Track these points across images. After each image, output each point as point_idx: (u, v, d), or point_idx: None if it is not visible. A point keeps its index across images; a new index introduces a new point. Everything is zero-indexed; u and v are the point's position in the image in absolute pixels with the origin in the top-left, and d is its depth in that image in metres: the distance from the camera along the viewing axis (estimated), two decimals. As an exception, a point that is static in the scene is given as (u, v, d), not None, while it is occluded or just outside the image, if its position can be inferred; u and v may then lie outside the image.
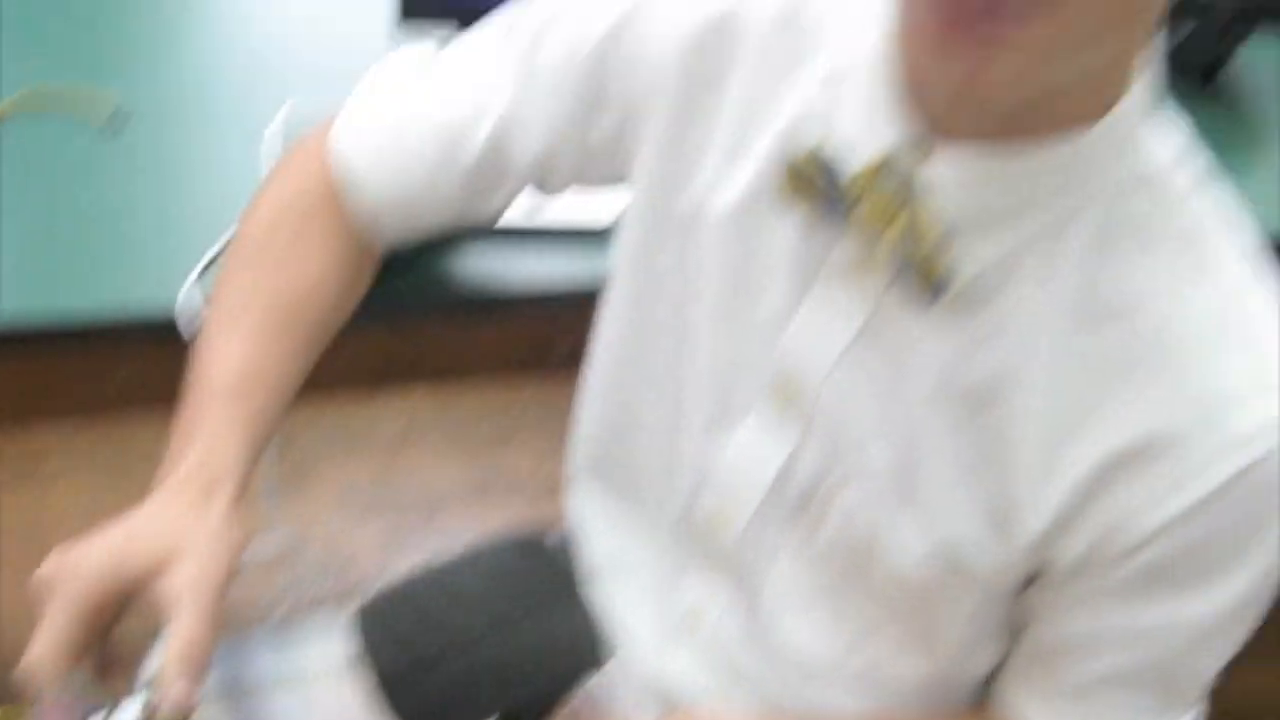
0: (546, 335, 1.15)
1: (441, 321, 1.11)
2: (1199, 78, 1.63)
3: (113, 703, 0.72)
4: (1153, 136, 0.74)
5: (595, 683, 0.70)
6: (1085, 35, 0.62)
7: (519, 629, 0.63)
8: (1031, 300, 0.73)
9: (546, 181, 0.92)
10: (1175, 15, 1.58)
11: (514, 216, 0.99)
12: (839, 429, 0.80)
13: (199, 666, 0.72)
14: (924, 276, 0.72)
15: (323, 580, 1.98)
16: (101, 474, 1.66)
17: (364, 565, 1.99)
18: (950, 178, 0.71)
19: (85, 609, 0.72)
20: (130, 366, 1.09)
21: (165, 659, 0.71)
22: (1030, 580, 0.79)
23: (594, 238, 0.99)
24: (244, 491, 0.83)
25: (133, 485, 0.82)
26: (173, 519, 0.76)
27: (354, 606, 0.68)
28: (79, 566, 0.73)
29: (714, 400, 0.85)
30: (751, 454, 0.84)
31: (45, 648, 0.71)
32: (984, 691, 0.88)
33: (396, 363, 1.16)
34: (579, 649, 0.66)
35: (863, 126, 0.74)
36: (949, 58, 0.62)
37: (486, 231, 1.05)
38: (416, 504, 2.08)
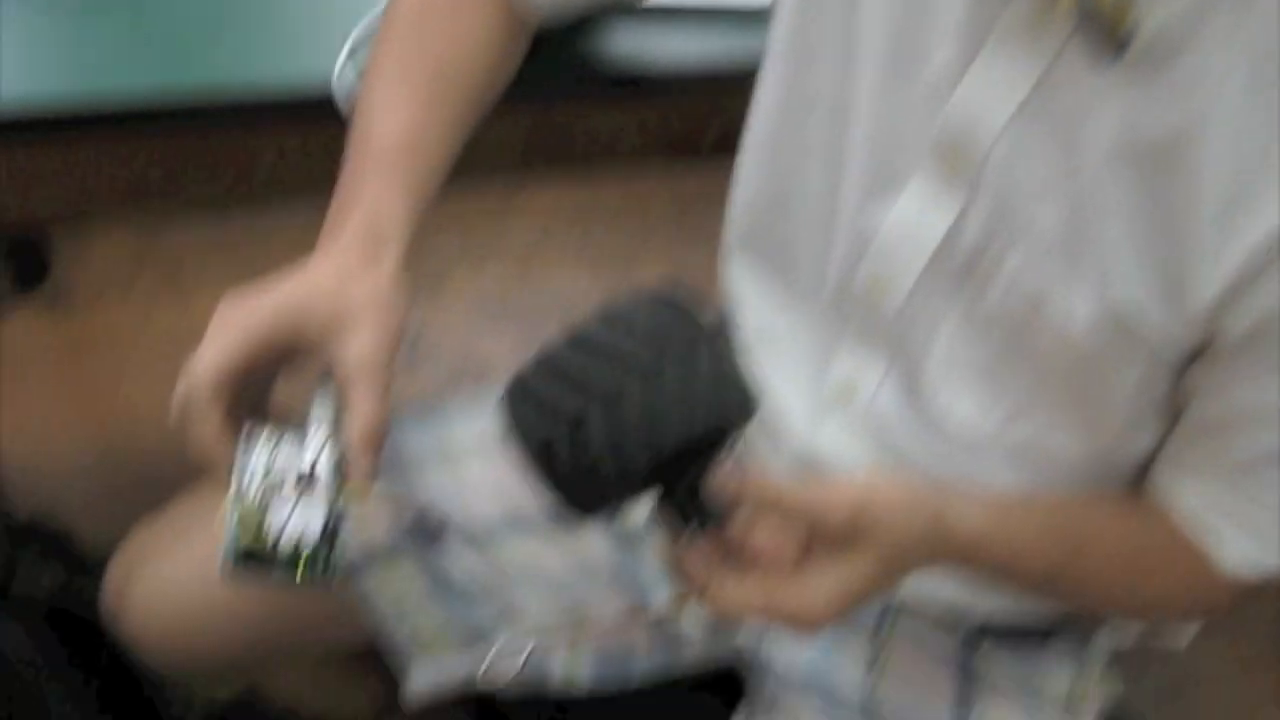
0: (698, 117, 1.13)
1: (590, 103, 1.10)
2: None
3: (296, 436, 0.75)
4: None
5: (744, 453, 0.70)
6: None
7: (663, 378, 0.63)
8: (1218, 58, 0.70)
9: None
10: None
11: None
12: (1008, 191, 0.78)
13: (379, 442, 0.74)
14: (1106, 31, 0.70)
15: (457, 385, 2.01)
16: (244, 274, 1.69)
17: (497, 372, 2.01)
18: None
19: (255, 343, 0.73)
20: (279, 148, 1.09)
21: (347, 438, 0.73)
22: (1197, 353, 0.78)
23: (748, 16, 0.97)
24: (409, 257, 0.83)
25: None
26: (344, 277, 0.77)
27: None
28: (256, 306, 0.75)
29: (874, 168, 0.84)
30: (914, 220, 0.82)
31: (210, 359, 0.72)
32: (1142, 477, 0.87)
33: (543, 146, 1.15)
34: (730, 397, 0.66)
35: None
36: None
37: (639, 10, 1.04)
38: (549, 311, 2.08)
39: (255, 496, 0.72)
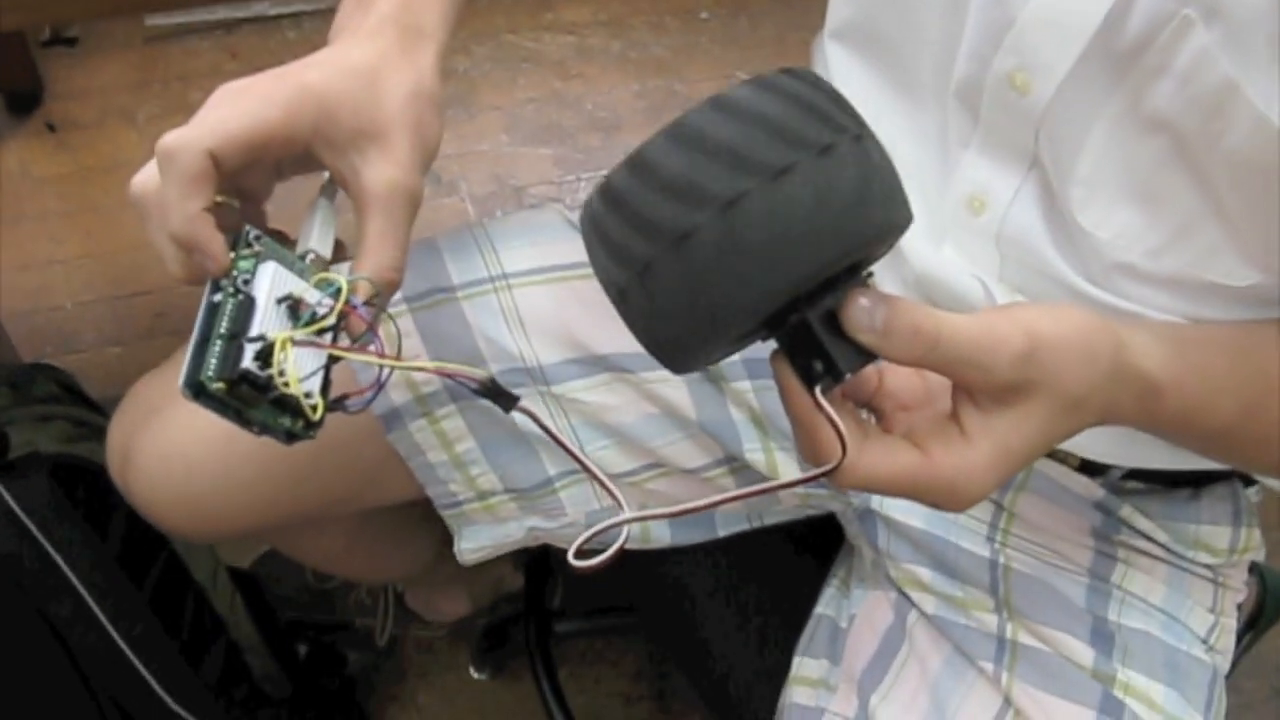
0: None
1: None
2: None
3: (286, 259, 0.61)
4: None
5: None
6: None
7: (793, 176, 0.48)
8: None
9: None
10: None
11: None
12: None
13: (394, 289, 0.63)
14: None
15: (492, 211, 1.88)
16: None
17: (538, 192, 1.88)
18: None
19: (265, 127, 0.60)
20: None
21: (358, 280, 0.61)
22: None
23: None
24: (445, 63, 0.70)
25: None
26: (381, 65, 0.65)
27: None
28: (272, 86, 0.62)
29: None
30: None
31: (203, 130, 0.59)
32: None
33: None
34: (875, 198, 0.51)
35: None
36: None
37: None
38: (589, 127, 1.95)
39: (254, 312, 0.58)
